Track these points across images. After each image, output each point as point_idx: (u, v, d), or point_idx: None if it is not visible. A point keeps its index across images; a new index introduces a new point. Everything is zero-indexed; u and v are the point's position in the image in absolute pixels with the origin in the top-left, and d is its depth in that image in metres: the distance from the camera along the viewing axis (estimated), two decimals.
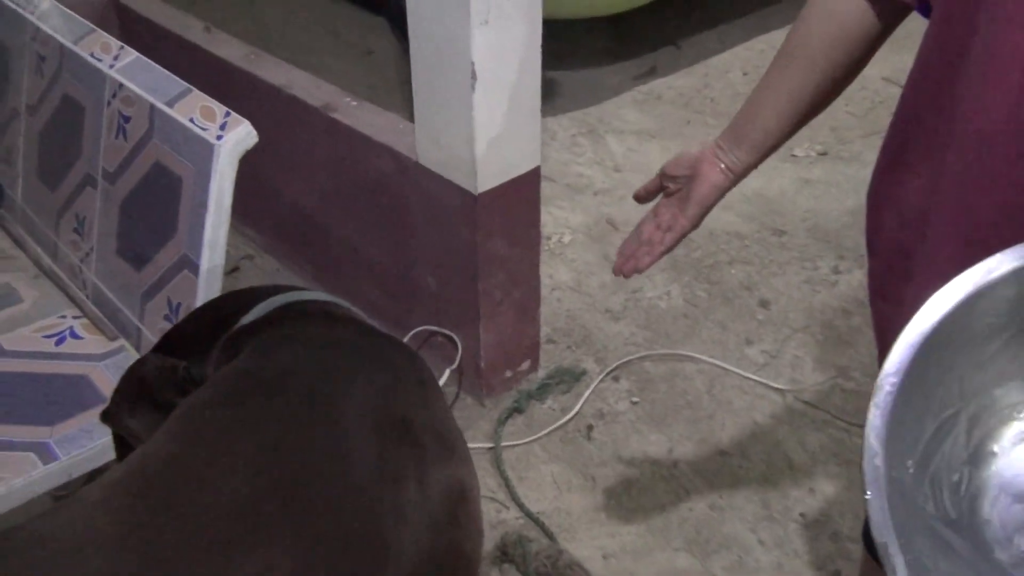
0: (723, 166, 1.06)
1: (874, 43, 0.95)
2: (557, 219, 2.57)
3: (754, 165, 1.06)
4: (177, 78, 1.35)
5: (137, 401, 1.03)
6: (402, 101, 3.17)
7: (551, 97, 3.26)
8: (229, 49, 2.22)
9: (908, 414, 0.59)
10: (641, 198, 1.16)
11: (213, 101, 1.28)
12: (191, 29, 2.32)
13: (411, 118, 1.81)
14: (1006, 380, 0.65)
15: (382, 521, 0.84)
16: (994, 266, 0.61)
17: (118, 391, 1.05)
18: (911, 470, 0.61)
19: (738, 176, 1.07)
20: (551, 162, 2.83)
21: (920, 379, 0.59)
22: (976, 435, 0.65)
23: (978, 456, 0.65)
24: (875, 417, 0.58)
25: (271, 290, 1.12)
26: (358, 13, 3.92)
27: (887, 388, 0.58)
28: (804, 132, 1.09)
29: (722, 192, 1.08)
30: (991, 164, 0.80)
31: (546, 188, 2.02)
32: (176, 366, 1.02)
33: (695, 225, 1.09)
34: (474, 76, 1.57)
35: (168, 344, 1.08)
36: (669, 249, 1.10)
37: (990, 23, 0.77)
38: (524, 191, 1.80)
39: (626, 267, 1.11)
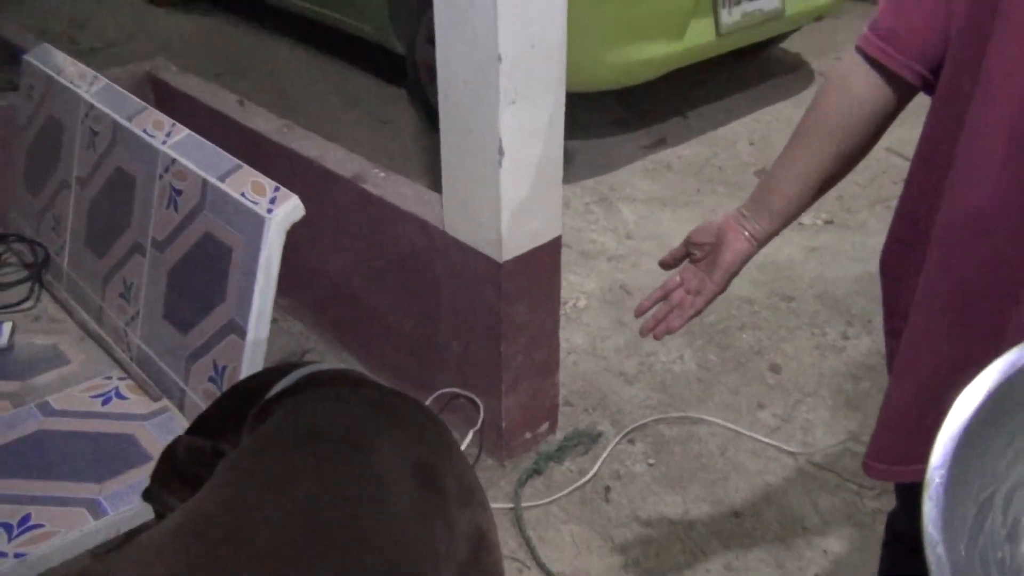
0: (747, 233, 1.12)
1: (886, 120, 1.03)
2: (572, 284, 2.65)
3: (776, 232, 1.13)
4: (228, 154, 1.44)
5: (173, 479, 1.10)
6: (419, 168, 3.29)
7: (566, 165, 3.36)
8: (263, 122, 2.33)
9: (954, 500, 0.64)
10: (667, 264, 1.21)
11: (263, 176, 1.37)
12: (226, 102, 2.43)
13: (429, 185, 1.90)
14: None
15: (421, 558, 0.90)
16: (1018, 358, 0.67)
17: (156, 471, 1.11)
18: (963, 552, 0.65)
19: (761, 243, 1.13)
20: (566, 229, 2.90)
21: (961, 466, 0.64)
22: (1011, 513, 0.69)
23: (1016, 532, 0.69)
24: (930, 509, 0.62)
25: (293, 365, 1.18)
26: (377, 84, 4.08)
27: (937, 480, 0.63)
28: None
29: (747, 258, 1.14)
30: (979, 238, 0.89)
31: (562, 254, 2.11)
32: (205, 446, 1.08)
33: (723, 289, 1.15)
34: (501, 152, 1.66)
35: (200, 426, 1.14)
36: (699, 312, 1.15)
37: (980, 104, 0.86)
38: (546, 259, 1.88)
39: (658, 329, 1.16)
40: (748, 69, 4.14)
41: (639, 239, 2.91)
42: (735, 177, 3.32)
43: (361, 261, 2.19)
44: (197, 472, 1.06)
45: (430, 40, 1.81)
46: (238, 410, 1.12)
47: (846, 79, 1.02)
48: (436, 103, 1.77)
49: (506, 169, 1.69)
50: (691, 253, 1.18)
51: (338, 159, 2.17)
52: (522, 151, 1.70)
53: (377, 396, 1.12)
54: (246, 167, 1.40)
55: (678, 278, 1.17)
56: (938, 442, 0.64)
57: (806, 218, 2.93)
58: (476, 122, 1.69)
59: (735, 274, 1.15)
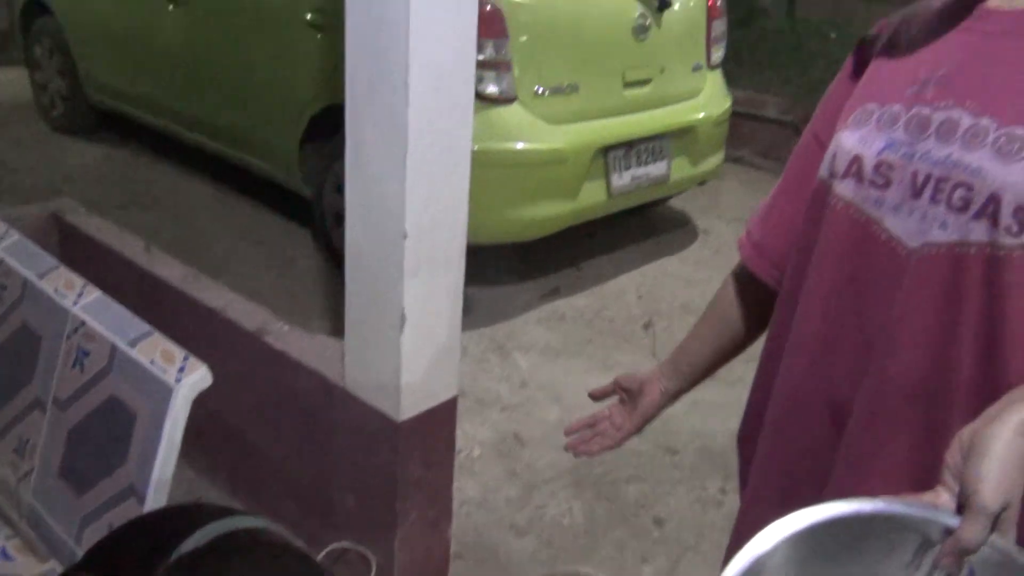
0: (661, 388, 1.26)
1: (770, 310, 1.18)
2: (467, 434, 2.73)
3: (686, 390, 1.28)
4: (139, 319, 1.50)
5: None
6: (322, 310, 3.36)
7: (465, 313, 3.50)
8: (168, 269, 2.38)
9: None
10: (596, 396, 1.33)
11: (173, 344, 1.43)
12: (131, 247, 2.48)
13: (331, 328, 1.97)
14: None
15: None
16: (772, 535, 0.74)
17: None
18: None
19: (673, 397, 1.28)
20: (462, 377, 3.00)
21: None
22: None
23: None
24: None
25: (207, 515, 1.18)
26: (283, 223, 4.17)
27: None
28: None
29: (660, 409, 1.28)
30: (794, 424, 1.03)
31: (458, 403, 2.20)
32: None
33: (637, 430, 1.29)
34: (403, 319, 1.77)
35: (95, 560, 1.07)
36: (616, 445, 1.29)
37: (799, 310, 1.01)
38: (442, 418, 1.96)
39: (579, 448, 1.29)
40: (638, 225, 4.41)
41: (533, 388, 3.03)
42: (624, 328, 3.50)
43: (260, 411, 2.22)
44: None
45: (338, 188, 1.93)
46: (145, 556, 1.10)
47: (736, 274, 1.19)
48: (341, 247, 1.87)
49: (407, 335, 1.79)
50: (618, 392, 1.31)
51: (241, 310, 2.23)
52: (423, 319, 1.80)
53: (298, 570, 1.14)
54: (157, 334, 1.46)
55: (607, 411, 1.30)
56: None
57: None
58: (380, 291, 1.79)
59: (649, 420, 1.28)
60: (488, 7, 2.98)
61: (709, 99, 3.87)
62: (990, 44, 0.87)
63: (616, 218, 4.13)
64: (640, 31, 3.44)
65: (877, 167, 0.90)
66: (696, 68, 3.81)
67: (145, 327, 1.48)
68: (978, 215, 0.82)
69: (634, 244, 4.23)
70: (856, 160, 0.92)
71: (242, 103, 3.86)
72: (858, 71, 1.02)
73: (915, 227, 0.87)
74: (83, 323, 1.54)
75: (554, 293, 3.73)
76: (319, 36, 3.34)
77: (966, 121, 0.85)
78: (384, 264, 1.75)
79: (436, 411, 1.93)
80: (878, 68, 0.98)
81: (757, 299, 1.17)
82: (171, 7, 4.01)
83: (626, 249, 4.18)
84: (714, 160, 3.99)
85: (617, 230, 4.27)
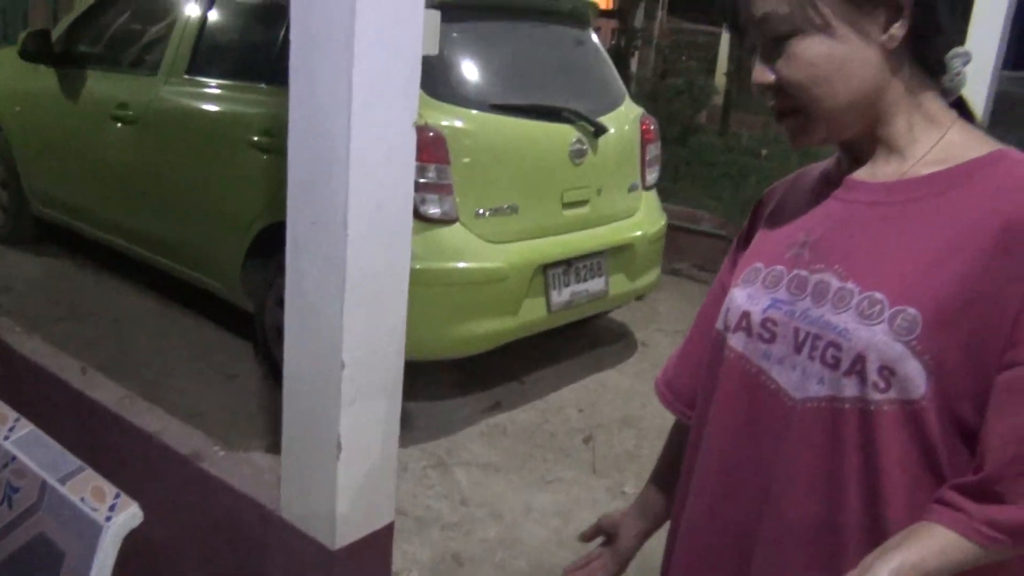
0: (635, 531, 1.29)
1: None
2: (406, 554, 2.70)
3: (653, 531, 1.30)
4: (71, 455, 1.50)
5: None
6: (262, 427, 3.34)
7: (404, 428, 3.50)
8: (104, 392, 2.37)
9: None
10: (587, 537, 1.34)
11: (105, 481, 1.43)
12: (68, 370, 2.47)
13: (270, 445, 1.98)
14: None
15: None
16: None
17: None
18: None
19: (643, 538, 1.30)
20: (401, 494, 3.00)
21: None
22: None
23: None
24: None
25: None
26: (224, 336, 4.16)
27: None
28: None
29: (634, 549, 1.30)
30: (703, 559, 1.08)
31: (397, 521, 2.19)
32: None
33: (620, 570, 1.29)
34: (339, 448, 1.79)
35: None
36: None
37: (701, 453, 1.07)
38: (378, 544, 1.96)
39: None
40: (579, 338, 4.49)
41: (473, 506, 3.02)
42: (565, 443, 3.53)
43: (194, 538, 2.19)
44: None
45: (280, 303, 1.97)
46: None
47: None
48: (283, 361, 1.90)
49: (343, 463, 1.80)
50: (601, 534, 1.33)
51: (177, 434, 2.22)
52: (359, 447, 1.83)
53: None
54: (88, 470, 1.46)
55: (597, 551, 1.32)
56: None
57: (628, 487, 3.14)
58: (317, 419, 1.81)
59: (629, 559, 1.30)
60: (431, 133, 3.10)
61: (645, 218, 4.02)
62: (855, 212, 0.97)
63: (558, 331, 4.20)
64: (577, 155, 3.59)
65: (763, 323, 0.98)
66: (632, 188, 3.96)
67: (76, 463, 1.48)
68: (848, 372, 0.90)
69: (575, 357, 4.30)
70: (745, 315, 1.00)
71: (188, 219, 3.91)
72: (752, 230, 1.12)
73: (798, 380, 0.95)
74: (13, 458, 1.53)
75: (496, 407, 3.75)
76: (265, 157, 3.43)
77: (835, 284, 0.94)
78: (321, 393, 1.79)
79: (372, 538, 1.94)
80: (767, 230, 1.08)
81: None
82: (119, 124, 4.08)
83: (568, 362, 4.24)
84: (651, 275, 4.12)
85: (559, 343, 4.34)
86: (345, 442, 1.79)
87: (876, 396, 0.89)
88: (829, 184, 1.02)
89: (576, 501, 3.05)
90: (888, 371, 0.87)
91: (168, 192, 3.97)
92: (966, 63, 0.97)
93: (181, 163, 3.89)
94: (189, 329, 4.22)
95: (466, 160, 3.25)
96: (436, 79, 3.21)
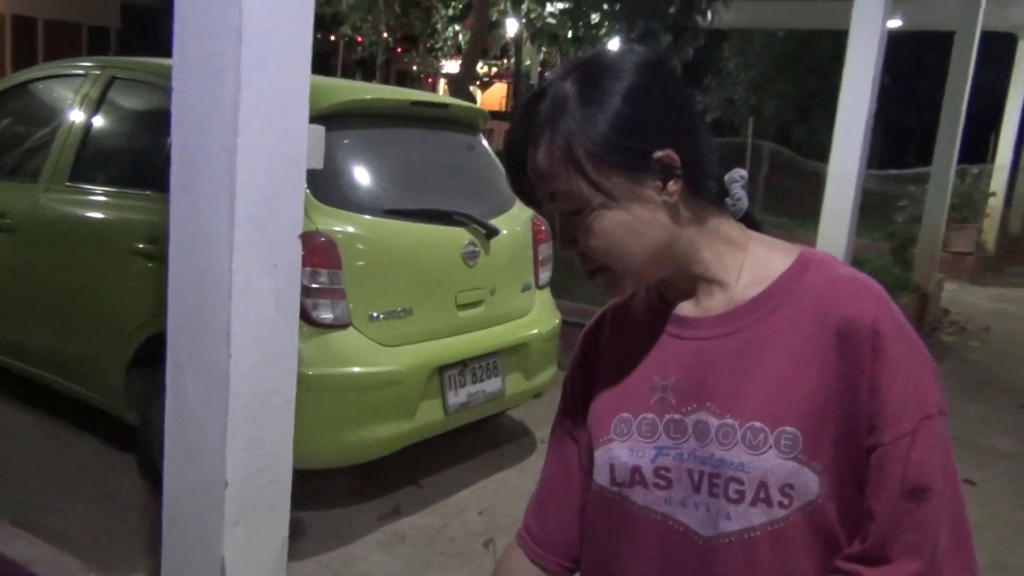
0: None
1: None
2: None
3: None
4: None
5: None
6: (142, 547, 3.17)
7: (297, 539, 3.38)
8: None
9: None
10: None
11: None
12: None
13: (152, 566, 1.87)
14: None
15: None
16: None
17: None
18: None
19: None
20: None
21: None
22: None
23: None
24: None
25: None
26: (105, 449, 3.97)
27: None
28: None
29: None
30: None
31: None
32: None
33: None
34: (223, 571, 1.71)
35: None
36: None
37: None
38: None
39: None
40: (478, 438, 4.47)
41: None
42: (465, 547, 3.46)
43: None
44: None
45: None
46: None
47: (510, 560, 1.20)
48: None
49: None
50: None
51: (49, 563, 2.09)
52: (245, 568, 1.76)
53: None
54: None
55: None
56: None
57: None
58: (199, 540, 1.74)
59: None
60: (323, 239, 3.10)
61: (539, 316, 4.08)
62: (704, 349, 1.01)
63: (457, 432, 4.17)
64: (470, 257, 3.64)
65: (656, 472, 1.00)
66: (525, 288, 4.03)
67: None
68: (753, 502, 0.95)
69: (475, 458, 4.26)
70: (636, 470, 1.02)
71: (68, 330, 3.76)
72: (586, 360, 1.14)
73: (703, 518, 0.98)
74: None
75: (394, 513, 3.67)
76: (150, 265, 3.35)
77: (714, 422, 0.98)
78: (203, 513, 1.72)
79: None
80: (613, 371, 1.09)
81: None
82: None
83: (467, 463, 4.20)
84: (547, 373, 4.15)
85: (458, 444, 4.30)
86: (229, 565, 1.72)
87: (782, 513, 0.94)
88: (660, 319, 1.07)
89: None
90: (788, 487, 0.94)
91: (48, 302, 3.83)
92: (744, 184, 1.05)
93: (61, 272, 3.77)
94: (67, 444, 4.01)
95: (359, 264, 3.25)
96: (328, 185, 3.23)
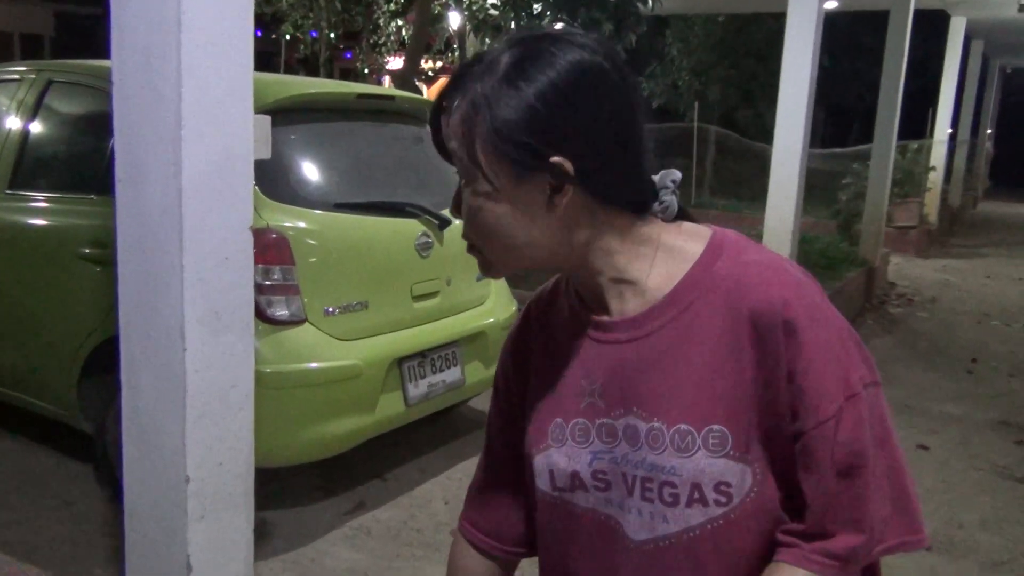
0: None
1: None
2: None
3: None
4: None
5: None
6: (105, 556, 3.12)
7: (263, 539, 3.35)
8: None
9: None
10: None
11: None
12: None
13: (115, 574, 1.85)
14: None
15: None
16: None
17: None
18: None
19: None
20: None
21: None
22: None
23: None
24: None
25: None
26: (62, 461, 3.89)
27: None
28: None
29: None
30: None
31: None
32: None
33: None
34: (189, 568, 1.70)
35: None
36: None
37: None
38: None
39: None
40: (440, 429, 4.47)
41: None
42: (432, 538, 3.47)
43: None
44: None
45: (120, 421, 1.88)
46: None
47: (460, 558, 1.18)
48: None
49: None
50: None
51: (13, 574, 2.05)
52: (212, 565, 1.74)
53: None
54: None
55: None
56: None
57: None
58: (163, 537, 1.72)
59: None
60: (274, 235, 3.07)
61: (496, 305, 4.09)
62: (625, 353, 0.99)
63: (419, 424, 4.17)
64: (424, 248, 3.63)
65: (594, 475, 1.00)
66: (480, 277, 4.03)
67: None
68: (689, 503, 0.95)
69: (438, 448, 4.26)
70: (575, 475, 1.01)
71: (15, 340, 3.68)
72: (517, 360, 1.12)
73: (640, 521, 0.98)
74: None
75: (359, 508, 3.66)
76: (97, 269, 3.29)
77: (642, 427, 0.97)
78: (166, 510, 1.70)
79: None
80: (544, 375, 1.07)
81: (492, 570, 1.18)
82: None
83: (430, 454, 4.20)
84: None
85: (420, 436, 4.30)
86: (195, 561, 1.70)
87: (720, 511, 0.94)
88: (580, 322, 1.04)
89: None
90: (723, 485, 0.94)
91: None
92: (675, 189, 1.00)
93: (6, 282, 3.69)
94: (21, 456, 3.93)
95: (312, 260, 3.23)
96: (277, 181, 3.20)
